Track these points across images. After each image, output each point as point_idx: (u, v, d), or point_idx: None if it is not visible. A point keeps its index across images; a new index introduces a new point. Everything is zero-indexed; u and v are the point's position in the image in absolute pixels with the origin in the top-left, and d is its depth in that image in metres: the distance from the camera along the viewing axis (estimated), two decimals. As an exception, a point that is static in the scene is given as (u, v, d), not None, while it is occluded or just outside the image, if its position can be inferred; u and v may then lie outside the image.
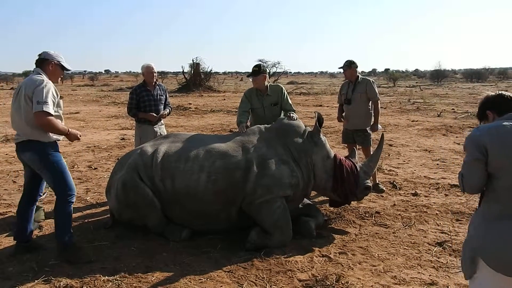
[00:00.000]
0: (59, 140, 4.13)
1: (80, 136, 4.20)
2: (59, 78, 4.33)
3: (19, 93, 3.97)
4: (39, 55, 4.11)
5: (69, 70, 4.36)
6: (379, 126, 6.54)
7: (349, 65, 6.39)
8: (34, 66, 4.11)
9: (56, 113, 3.99)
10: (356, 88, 6.39)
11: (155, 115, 5.81)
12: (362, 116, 6.41)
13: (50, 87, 3.92)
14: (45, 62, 4.07)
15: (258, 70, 5.39)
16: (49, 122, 3.86)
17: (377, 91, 6.48)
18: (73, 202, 4.16)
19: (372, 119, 6.51)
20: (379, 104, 6.56)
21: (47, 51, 4.12)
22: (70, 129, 4.08)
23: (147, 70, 5.88)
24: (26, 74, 58.28)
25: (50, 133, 3.98)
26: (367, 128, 6.45)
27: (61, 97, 4.11)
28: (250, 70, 5.46)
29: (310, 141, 4.77)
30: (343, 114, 6.67)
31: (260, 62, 5.46)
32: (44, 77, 3.98)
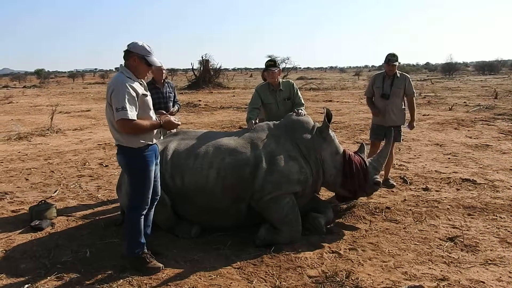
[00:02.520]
0: (151, 143, 3.78)
1: (177, 121, 3.86)
2: (146, 74, 3.89)
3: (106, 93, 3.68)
4: (128, 45, 3.66)
5: (157, 65, 4.02)
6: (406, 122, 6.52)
7: (397, 60, 6.23)
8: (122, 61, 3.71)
9: (145, 114, 3.70)
10: (394, 83, 6.28)
11: (164, 112, 5.82)
12: (399, 112, 6.35)
13: (125, 88, 3.51)
14: (128, 55, 3.64)
15: (274, 64, 5.44)
16: (134, 127, 3.54)
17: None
18: (142, 215, 3.85)
19: (407, 116, 6.46)
20: (414, 100, 6.50)
21: (135, 42, 3.66)
22: (162, 120, 3.76)
23: (156, 68, 5.90)
24: (37, 72, 59.02)
25: (140, 137, 3.66)
26: (405, 125, 6.42)
27: (144, 95, 3.73)
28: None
29: (319, 137, 4.75)
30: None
31: (272, 57, 5.44)
32: (121, 76, 3.62)
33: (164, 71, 5.94)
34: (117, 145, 3.77)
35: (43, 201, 5.33)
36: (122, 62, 3.75)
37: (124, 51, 3.67)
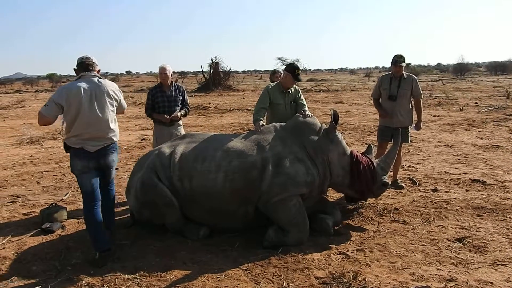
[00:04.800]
0: None
1: None
2: None
3: (97, 96, 4.06)
4: (89, 59, 4.20)
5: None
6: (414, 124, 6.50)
7: (405, 61, 6.20)
8: (84, 69, 4.16)
9: None
10: (401, 85, 6.25)
11: (167, 116, 5.86)
12: (406, 113, 6.32)
13: None
14: (96, 67, 4.24)
15: (300, 73, 5.55)
16: None
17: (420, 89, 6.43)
18: None
19: (415, 117, 6.44)
20: (421, 102, 6.47)
21: (91, 56, 4.26)
22: None
23: (160, 71, 5.98)
24: (50, 77, 59.74)
25: None
26: (411, 127, 6.41)
27: None
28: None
29: (326, 138, 4.76)
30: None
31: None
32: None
33: (167, 74, 5.95)
34: (107, 147, 4.22)
35: (54, 204, 5.41)
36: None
37: (90, 63, 4.21)
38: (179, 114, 5.96)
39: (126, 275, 3.83)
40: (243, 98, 25.59)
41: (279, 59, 39.85)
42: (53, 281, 3.75)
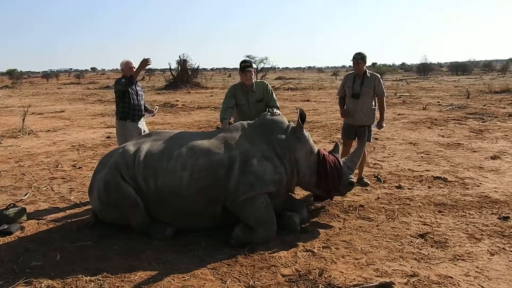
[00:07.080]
0: None
1: None
2: None
3: None
4: None
5: None
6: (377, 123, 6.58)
7: (362, 58, 6.27)
8: None
9: None
10: (364, 83, 6.31)
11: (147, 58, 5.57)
12: (369, 111, 6.38)
13: None
14: None
15: (249, 65, 5.37)
16: None
17: (384, 88, 6.50)
18: None
19: (378, 116, 6.52)
20: (384, 100, 6.55)
21: None
22: None
23: (126, 66, 5.82)
24: (9, 73, 57.55)
25: None
26: (373, 125, 6.48)
27: None
28: (236, 66, 5.43)
29: (293, 137, 4.77)
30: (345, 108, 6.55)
31: (251, 57, 5.41)
32: None
33: (134, 69, 5.81)
34: None
35: (12, 205, 5.20)
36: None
37: None
38: (155, 111, 5.97)
39: (89, 277, 3.71)
40: (212, 95, 25.44)
41: (247, 57, 39.75)
42: (10, 285, 3.60)
